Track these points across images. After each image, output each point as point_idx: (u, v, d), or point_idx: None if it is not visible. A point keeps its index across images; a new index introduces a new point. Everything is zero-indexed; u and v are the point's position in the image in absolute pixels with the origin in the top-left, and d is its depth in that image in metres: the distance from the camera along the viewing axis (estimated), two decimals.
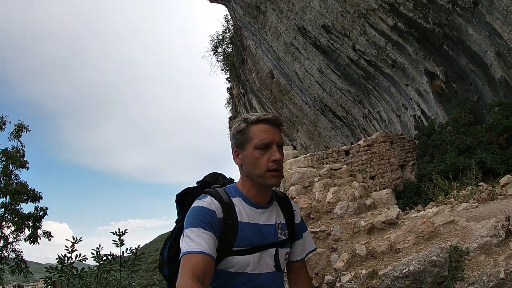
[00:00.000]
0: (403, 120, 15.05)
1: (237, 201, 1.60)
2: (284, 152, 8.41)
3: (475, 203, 6.82)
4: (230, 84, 36.24)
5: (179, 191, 1.85)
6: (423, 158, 12.84)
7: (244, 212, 1.59)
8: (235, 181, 1.85)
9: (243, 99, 30.58)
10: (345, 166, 7.07)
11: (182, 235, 1.46)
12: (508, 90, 10.46)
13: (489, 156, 10.20)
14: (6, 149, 11.47)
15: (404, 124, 15.07)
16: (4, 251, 11.78)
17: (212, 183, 1.80)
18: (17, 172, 11.86)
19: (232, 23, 27.48)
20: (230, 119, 42.69)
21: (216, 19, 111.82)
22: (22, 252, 12.71)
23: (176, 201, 1.86)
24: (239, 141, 1.59)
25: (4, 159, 11.53)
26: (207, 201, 1.54)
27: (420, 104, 13.63)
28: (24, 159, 11.88)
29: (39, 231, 12.20)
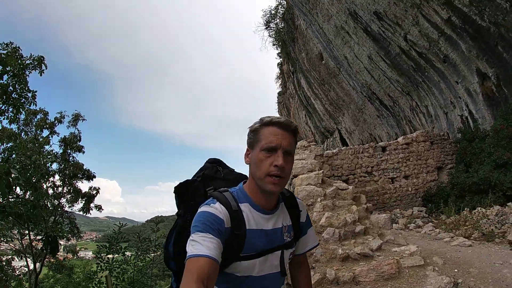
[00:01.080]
0: (449, 118, 14.44)
1: (245, 207, 1.60)
2: (302, 162, 8.50)
3: (471, 240, 7.12)
4: (281, 59, 35.97)
5: (178, 183, 1.88)
6: (460, 165, 12.40)
7: (252, 218, 1.59)
8: (235, 171, 1.94)
9: (292, 76, 30.38)
10: (351, 187, 7.04)
11: (188, 240, 1.45)
12: None
13: None
14: (64, 137, 12.97)
15: (450, 123, 14.46)
16: (61, 218, 13.42)
17: (213, 175, 1.85)
18: (74, 155, 13.42)
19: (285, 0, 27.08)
20: (279, 94, 42.63)
21: None
22: (76, 219, 14.63)
23: (175, 193, 1.88)
24: (251, 141, 1.60)
25: (63, 145, 13.01)
26: (216, 208, 1.52)
27: (469, 105, 12.99)
28: (80, 143, 13.31)
29: (92, 205, 13.98)
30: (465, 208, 10.16)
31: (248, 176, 1.71)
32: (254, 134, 1.59)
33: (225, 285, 1.58)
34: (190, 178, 1.91)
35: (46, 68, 7.22)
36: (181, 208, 1.83)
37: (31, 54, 7.02)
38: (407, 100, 16.59)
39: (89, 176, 13.57)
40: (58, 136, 13.27)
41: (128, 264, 10.37)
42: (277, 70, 39.72)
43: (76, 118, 13.35)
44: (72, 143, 13.09)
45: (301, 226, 1.81)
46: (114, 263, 9.45)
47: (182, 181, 1.88)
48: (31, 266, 12.31)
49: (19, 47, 6.78)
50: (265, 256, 1.61)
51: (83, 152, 13.40)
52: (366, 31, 15.81)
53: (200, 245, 1.39)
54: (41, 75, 7.09)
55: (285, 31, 27.73)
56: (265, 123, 1.58)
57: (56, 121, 13.22)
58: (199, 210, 1.53)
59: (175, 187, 1.88)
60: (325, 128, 27.13)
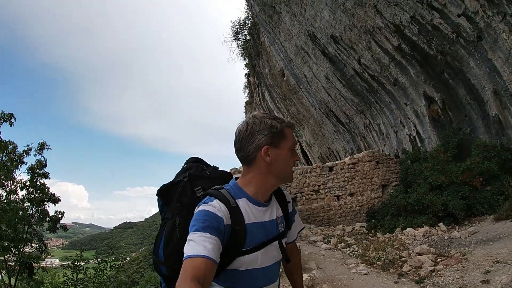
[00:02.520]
0: (399, 137, 14.53)
1: (242, 202, 1.53)
2: None
3: (374, 266, 7.18)
4: (248, 71, 35.61)
5: (161, 185, 1.74)
6: (401, 185, 12.58)
7: (251, 212, 1.54)
8: (218, 169, 1.84)
9: (257, 88, 30.14)
10: None
11: (187, 239, 1.36)
12: (500, 129, 9.88)
13: (452, 201, 9.85)
14: (32, 165, 13.33)
15: (400, 141, 14.55)
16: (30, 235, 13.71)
17: (199, 174, 1.73)
18: (41, 180, 13.75)
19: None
20: (247, 103, 42.28)
21: (237, 7, 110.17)
22: (43, 237, 14.90)
23: (158, 196, 1.76)
24: (273, 139, 1.53)
25: (31, 173, 13.36)
26: (214, 206, 1.44)
27: (416, 125, 13.09)
28: (46, 170, 13.67)
29: (57, 225, 14.34)
30: (397, 228, 10.30)
31: (229, 173, 1.80)
32: (280, 133, 1.55)
33: (230, 281, 1.51)
34: (166, 181, 1.78)
35: (15, 121, 9.03)
36: (167, 211, 1.69)
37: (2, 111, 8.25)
38: (361, 118, 16.63)
39: (55, 200, 13.79)
40: (26, 164, 13.70)
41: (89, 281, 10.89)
42: (244, 80, 39.29)
43: (42, 147, 13.69)
44: (38, 170, 13.45)
45: (289, 216, 1.76)
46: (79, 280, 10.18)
47: (166, 183, 1.74)
48: (6, 281, 12.67)
49: None
50: (265, 248, 1.55)
51: (49, 178, 13.75)
52: (324, 52, 15.74)
53: (198, 245, 1.32)
54: (11, 126, 8.86)
55: (251, 45, 27.43)
56: (287, 124, 1.58)
57: (24, 153, 13.59)
58: (197, 209, 1.45)
59: (159, 190, 1.74)
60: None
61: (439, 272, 5.98)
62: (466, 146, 10.77)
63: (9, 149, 13.07)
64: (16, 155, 13.49)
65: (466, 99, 10.72)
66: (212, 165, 1.86)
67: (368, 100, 15.30)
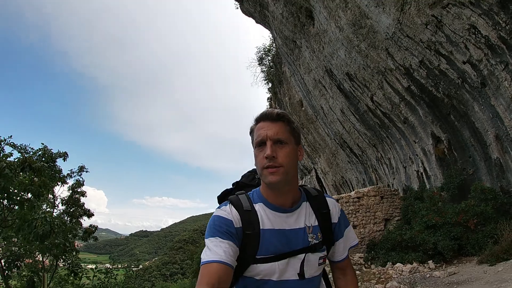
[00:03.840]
0: (408, 172, 14.60)
1: (259, 207, 1.46)
2: None
3: None
4: (270, 95, 36.19)
5: (219, 193, 1.73)
6: (401, 221, 12.71)
7: (267, 218, 1.44)
8: None
9: None
10: None
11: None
12: (501, 172, 9.91)
13: (443, 241, 10.00)
14: (72, 184, 14.21)
15: (408, 176, 14.61)
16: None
17: (248, 183, 1.72)
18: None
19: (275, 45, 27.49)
20: None
21: (262, 35, 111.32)
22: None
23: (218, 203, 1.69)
24: (252, 141, 1.48)
25: (71, 191, 14.26)
26: (225, 210, 1.43)
27: (424, 163, 13.18)
28: (83, 188, 14.58)
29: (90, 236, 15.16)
30: (389, 262, 10.46)
31: None
32: (251, 134, 1.49)
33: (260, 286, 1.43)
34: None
35: (68, 157, 10.48)
36: None
37: (58, 150, 10.11)
38: (374, 151, 16.78)
39: (89, 214, 14.44)
40: (67, 184, 14.52)
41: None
42: (267, 103, 39.79)
43: (81, 170, 14.55)
44: (77, 189, 14.31)
45: (334, 228, 1.57)
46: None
47: (222, 191, 1.74)
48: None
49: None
50: (286, 260, 1.42)
51: (86, 196, 14.53)
52: (339, 88, 16.14)
53: (210, 251, 1.31)
54: (64, 161, 10.46)
55: (274, 72, 28.11)
56: (255, 120, 1.48)
57: (67, 176, 14.39)
58: (212, 215, 1.45)
59: (218, 197, 1.73)
60: (304, 166, 27.25)
61: None
62: (468, 186, 10.81)
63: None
64: (61, 179, 14.67)
65: (470, 141, 10.83)
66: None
67: (380, 135, 15.50)
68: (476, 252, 9.29)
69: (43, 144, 9.93)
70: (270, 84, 31.87)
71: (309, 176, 27.06)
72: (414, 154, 13.71)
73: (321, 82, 17.72)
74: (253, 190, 1.54)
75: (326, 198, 1.58)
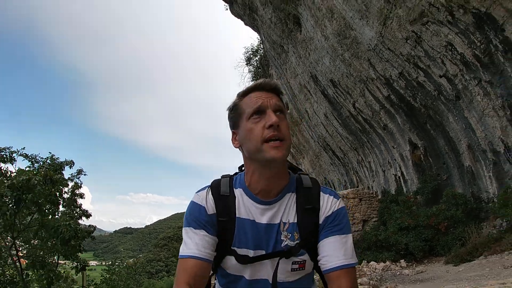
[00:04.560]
0: (386, 175, 15.15)
1: (238, 193, 1.27)
2: None
3: None
4: None
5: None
6: (378, 222, 13.28)
7: (243, 205, 1.25)
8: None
9: None
10: None
11: None
12: (472, 179, 10.50)
13: (414, 242, 10.72)
14: (72, 186, 13.93)
15: (386, 180, 15.17)
16: None
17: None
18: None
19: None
20: None
21: (250, 36, 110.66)
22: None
23: None
24: (234, 120, 1.25)
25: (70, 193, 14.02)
26: (200, 195, 1.28)
27: (401, 167, 13.74)
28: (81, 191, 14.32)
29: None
30: (364, 260, 11.05)
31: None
32: (235, 110, 1.24)
33: (224, 280, 1.32)
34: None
35: (74, 165, 11.01)
36: None
37: (65, 159, 10.56)
38: (355, 154, 17.29)
39: (87, 216, 14.29)
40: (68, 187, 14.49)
41: None
42: None
43: (79, 173, 14.65)
44: (76, 191, 14.11)
45: (320, 229, 1.24)
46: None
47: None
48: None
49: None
50: (258, 262, 1.24)
51: (84, 198, 14.32)
52: (324, 93, 16.56)
53: (185, 244, 1.22)
54: (70, 168, 10.84)
55: (261, 74, 28.35)
56: (243, 93, 1.24)
57: (68, 180, 14.50)
58: None
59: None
60: (288, 167, 27.69)
61: None
62: (442, 191, 11.39)
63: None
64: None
65: (445, 149, 11.38)
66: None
67: (361, 139, 16.00)
68: (445, 253, 9.89)
69: (50, 153, 10.31)
70: None
71: None
72: (393, 158, 14.25)
73: (306, 87, 18.11)
74: (240, 173, 1.34)
75: (322, 192, 1.27)
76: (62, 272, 9.61)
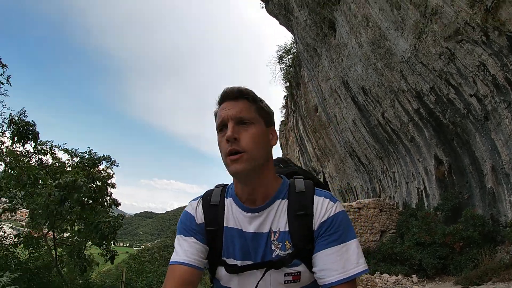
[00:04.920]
0: (409, 187, 15.28)
1: (228, 202, 1.27)
2: None
3: None
4: (287, 94, 36.65)
5: None
6: (396, 234, 13.46)
7: (232, 215, 1.25)
8: (291, 169, 1.44)
9: (293, 114, 31.35)
10: None
11: None
12: (493, 201, 10.59)
13: (427, 259, 10.92)
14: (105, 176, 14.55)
15: (409, 192, 15.30)
16: None
17: None
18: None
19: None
20: (282, 122, 43.30)
21: (284, 35, 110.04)
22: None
23: None
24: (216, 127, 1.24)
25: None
26: (191, 205, 1.31)
27: (425, 181, 13.86)
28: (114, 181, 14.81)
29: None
30: (377, 272, 11.32)
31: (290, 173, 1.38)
32: (215, 120, 1.24)
33: None
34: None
35: (111, 160, 11.80)
36: None
37: (103, 154, 11.37)
38: (380, 163, 17.45)
39: (117, 204, 14.57)
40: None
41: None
42: (283, 101, 39.96)
43: (112, 164, 15.26)
44: (108, 181, 15.04)
45: (315, 236, 1.17)
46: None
47: None
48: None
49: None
50: (244, 273, 1.22)
51: (115, 188, 14.57)
52: (354, 100, 16.80)
53: (175, 251, 1.24)
54: (107, 162, 11.52)
55: (293, 74, 28.68)
56: (218, 102, 1.25)
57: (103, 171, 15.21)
58: None
59: None
60: (313, 168, 27.97)
61: None
62: (462, 209, 11.51)
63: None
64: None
65: (469, 168, 11.49)
66: (292, 165, 1.53)
67: (387, 149, 16.17)
68: (457, 272, 10.07)
69: (89, 147, 10.90)
70: (287, 84, 32.26)
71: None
72: (417, 171, 14.39)
73: (337, 92, 18.37)
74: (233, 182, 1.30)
75: (316, 196, 1.21)
76: (92, 258, 10.32)
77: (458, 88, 10.66)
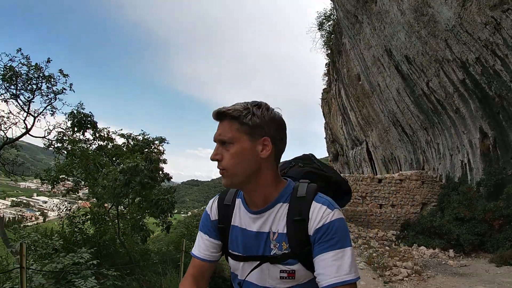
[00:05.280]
0: (453, 160, 15.11)
1: (238, 203, 1.44)
2: None
3: (368, 266, 9.00)
4: (328, 61, 35.91)
5: None
6: (437, 207, 13.50)
7: (239, 215, 1.42)
8: (315, 167, 1.60)
9: (335, 82, 30.99)
10: None
11: None
12: None
13: (465, 235, 11.04)
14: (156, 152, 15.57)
15: (453, 164, 15.13)
16: None
17: (281, 170, 1.52)
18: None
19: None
20: (324, 90, 42.78)
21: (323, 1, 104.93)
22: None
23: None
24: None
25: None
26: (209, 203, 1.53)
27: (469, 154, 13.68)
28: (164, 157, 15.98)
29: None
30: (415, 244, 11.62)
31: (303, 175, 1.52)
32: None
33: (233, 281, 1.49)
34: None
35: (166, 141, 12.55)
36: None
37: (156, 136, 12.16)
38: (424, 134, 17.25)
39: (168, 178, 15.98)
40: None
41: None
42: (324, 68, 39.21)
43: (162, 141, 16.01)
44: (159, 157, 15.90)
45: (312, 242, 1.28)
46: None
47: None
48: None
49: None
50: (246, 263, 1.39)
51: (166, 163, 15.09)
52: (397, 68, 16.51)
53: (195, 245, 1.50)
54: (160, 143, 12.27)
55: (334, 42, 28.15)
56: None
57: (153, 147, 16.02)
58: None
59: None
60: (356, 137, 27.91)
61: (403, 282, 8.01)
62: (505, 185, 11.41)
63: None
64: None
65: None
66: (316, 162, 1.64)
67: (432, 120, 15.94)
68: (494, 250, 10.20)
69: (142, 130, 11.87)
70: (329, 51, 31.70)
71: (360, 147, 27.75)
72: (461, 144, 14.19)
73: (379, 60, 18.06)
74: None
75: (315, 201, 1.30)
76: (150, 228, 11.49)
77: (505, 60, 10.32)
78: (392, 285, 7.88)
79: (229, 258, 1.45)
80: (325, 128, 41.50)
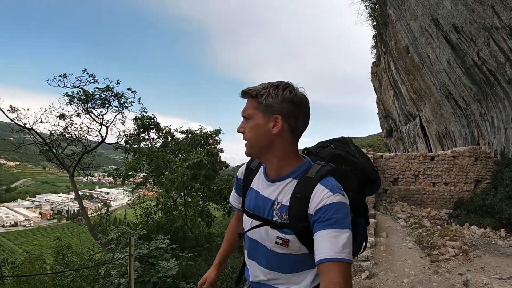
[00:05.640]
0: (508, 134, 14.41)
1: (261, 169, 1.65)
2: None
3: (417, 245, 8.91)
4: (375, 33, 34.57)
5: None
6: (491, 185, 13.04)
7: (258, 179, 1.64)
8: (347, 150, 1.68)
9: (384, 55, 30.04)
10: None
11: None
12: None
13: None
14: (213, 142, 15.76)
15: (508, 139, 14.44)
16: None
17: (312, 150, 1.72)
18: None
19: None
20: (373, 64, 41.41)
21: None
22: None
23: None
24: None
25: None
26: (243, 166, 1.80)
27: None
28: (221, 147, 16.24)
29: None
30: (466, 223, 11.43)
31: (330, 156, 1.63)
32: None
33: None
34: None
35: (222, 132, 13.90)
36: None
37: (213, 129, 13.44)
38: (478, 107, 16.55)
39: (226, 166, 16.12)
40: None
41: None
42: (372, 41, 37.90)
43: (218, 133, 15.99)
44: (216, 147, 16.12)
45: (310, 219, 1.39)
46: None
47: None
48: None
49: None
50: (255, 221, 1.58)
51: (223, 152, 16.02)
52: (446, 38, 15.90)
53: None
54: (217, 135, 13.59)
55: (379, 13, 27.18)
56: None
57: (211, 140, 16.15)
58: None
59: None
60: (409, 112, 27.12)
61: (449, 261, 8.19)
62: None
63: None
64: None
65: None
66: (350, 145, 1.72)
67: (485, 91, 15.27)
68: None
69: (200, 125, 13.06)
70: (375, 23, 30.62)
71: (413, 123, 26.97)
72: None
73: (427, 31, 17.43)
74: None
75: (319, 184, 1.41)
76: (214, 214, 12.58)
77: None
78: (438, 264, 8.10)
79: (244, 214, 1.70)
80: (377, 103, 40.40)
